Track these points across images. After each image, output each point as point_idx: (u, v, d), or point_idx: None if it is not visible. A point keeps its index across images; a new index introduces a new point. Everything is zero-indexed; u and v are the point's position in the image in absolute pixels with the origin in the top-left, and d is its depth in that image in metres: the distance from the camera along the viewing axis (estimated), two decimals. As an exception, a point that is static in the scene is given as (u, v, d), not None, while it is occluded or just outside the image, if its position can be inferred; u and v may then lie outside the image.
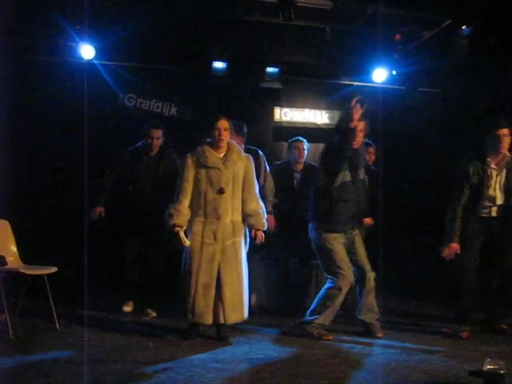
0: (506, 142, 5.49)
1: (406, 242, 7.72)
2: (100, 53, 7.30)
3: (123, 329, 5.72)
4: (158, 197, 6.10)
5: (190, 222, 5.28)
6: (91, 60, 7.32)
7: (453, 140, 7.47)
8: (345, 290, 5.49)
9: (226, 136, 5.28)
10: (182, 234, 5.18)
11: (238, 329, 5.61)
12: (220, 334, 5.37)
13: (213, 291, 5.16)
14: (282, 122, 8.59)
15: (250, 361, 4.75)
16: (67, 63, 7.39)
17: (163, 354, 4.85)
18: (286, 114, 8.68)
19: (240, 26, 7.58)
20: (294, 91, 8.66)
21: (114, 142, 7.52)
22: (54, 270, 5.60)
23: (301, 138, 6.97)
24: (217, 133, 5.23)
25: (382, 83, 8.29)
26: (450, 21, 7.32)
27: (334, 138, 5.57)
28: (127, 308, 6.41)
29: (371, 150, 6.72)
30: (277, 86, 8.34)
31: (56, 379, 4.13)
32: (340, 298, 5.49)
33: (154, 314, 6.31)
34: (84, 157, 6.47)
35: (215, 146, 5.29)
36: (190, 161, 5.29)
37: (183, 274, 5.29)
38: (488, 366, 3.99)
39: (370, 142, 6.65)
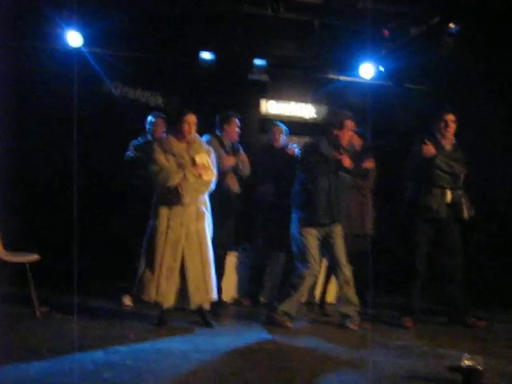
0: (452, 126, 5.86)
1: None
2: (87, 40, 7.23)
3: (105, 317, 5.72)
4: None
5: (156, 206, 5.43)
6: (79, 47, 7.25)
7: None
8: (308, 281, 5.69)
9: (193, 130, 5.50)
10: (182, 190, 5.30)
11: (219, 319, 5.64)
12: (205, 319, 5.53)
13: (176, 274, 5.31)
14: (268, 115, 8.59)
15: (231, 351, 4.76)
16: (54, 50, 7.32)
17: (144, 343, 4.86)
18: (272, 107, 8.69)
19: (229, 18, 7.54)
20: (281, 84, 8.66)
21: (101, 129, 7.52)
22: (35, 257, 5.58)
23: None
24: (186, 126, 5.43)
25: (370, 79, 8.30)
26: (438, 18, 7.34)
27: (319, 140, 5.71)
28: (128, 301, 6.36)
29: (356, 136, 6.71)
30: (264, 78, 8.32)
31: (35, 367, 4.12)
32: (303, 289, 5.69)
33: (131, 304, 6.35)
34: (72, 144, 6.43)
35: (181, 137, 5.47)
36: (157, 147, 5.47)
37: (146, 255, 5.39)
38: (466, 362, 4.03)
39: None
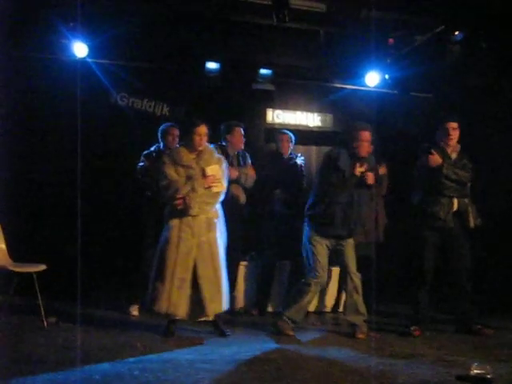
0: (455, 134, 5.86)
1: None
2: (93, 51, 7.26)
3: (112, 327, 5.71)
4: None
5: (168, 218, 5.44)
6: (84, 58, 7.28)
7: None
8: (314, 288, 5.68)
9: (204, 141, 5.48)
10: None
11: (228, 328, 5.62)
12: (219, 328, 5.57)
13: (188, 285, 5.29)
14: (274, 124, 8.59)
15: (238, 362, 4.74)
16: (60, 61, 7.36)
17: (151, 353, 4.85)
18: (278, 116, 8.69)
19: (234, 27, 7.57)
20: (286, 93, 8.66)
21: (107, 140, 7.55)
22: (42, 267, 5.59)
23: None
24: (197, 138, 5.42)
25: (375, 87, 8.31)
26: (442, 26, 7.35)
27: (338, 153, 5.65)
28: (135, 312, 6.37)
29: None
30: (270, 87, 8.33)
31: (42, 378, 4.11)
32: (308, 296, 5.68)
33: (137, 313, 6.36)
34: (76, 154, 6.46)
35: (192, 148, 5.47)
36: (167, 160, 5.47)
37: (158, 267, 5.37)
38: (475, 371, 4.01)
39: None
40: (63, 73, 7.29)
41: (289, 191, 6.66)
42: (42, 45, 7.25)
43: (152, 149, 6.49)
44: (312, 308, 5.98)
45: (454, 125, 5.86)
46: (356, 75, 8.31)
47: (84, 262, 6.09)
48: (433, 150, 5.79)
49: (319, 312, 6.74)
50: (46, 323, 5.60)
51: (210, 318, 5.52)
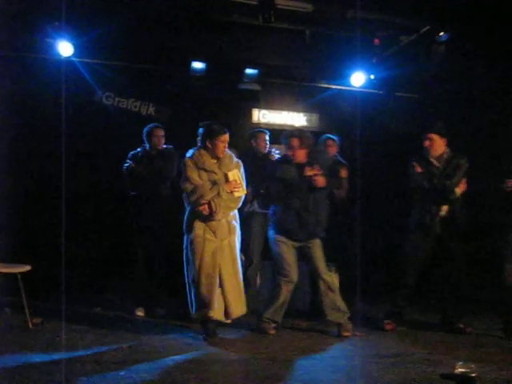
0: (433, 145, 5.93)
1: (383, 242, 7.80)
2: (78, 50, 7.23)
3: (97, 328, 5.69)
4: (163, 198, 6.36)
5: (190, 221, 5.45)
6: (69, 57, 7.24)
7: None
8: (285, 288, 5.72)
9: (226, 148, 5.52)
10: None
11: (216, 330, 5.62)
12: (210, 330, 5.49)
13: (216, 282, 5.31)
14: (260, 124, 8.59)
15: (225, 362, 4.74)
16: (45, 60, 7.31)
17: (137, 354, 4.84)
18: (264, 116, 8.70)
19: (220, 27, 7.58)
20: (272, 93, 8.68)
21: (92, 140, 7.52)
22: (27, 268, 5.55)
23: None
24: (221, 145, 5.45)
25: (360, 87, 8.34)
26: (428, 27, 7.39)
27: (276, 166, 5.90)
28: (140, 313, 6.36)
29: (330, 142, 6.74)
30: (255, 87, 8.34)
31: (28, 380, 4.09)
32: (282, 296, 5.73)
33: (163, 313, 6.33)
34: (61, 154, 6.42)
35: (212, 154, 5.48)
36: (190, 163, 5.45)
37: (190, 271, 5.41)
38: (460, 370, 4.03)
39: (330, 135, 6.80)
40: (48, 72, 7.25)
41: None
42: (27, 44, 7.21)
43: (138, 149, 6.48)
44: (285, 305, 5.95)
45: (432, 136, 5.92)
46: (342, 75, 8.35)
47: (69, 263, 6.06)
48: (414, 162, 5.94)
49: (304, 312, 6.73)
50: (30, 324, 5.57)
51: (229, 321, 5.49)
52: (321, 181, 5.65)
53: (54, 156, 6.84)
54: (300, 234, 5.71)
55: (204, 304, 5.30)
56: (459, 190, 5.85)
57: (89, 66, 7.59)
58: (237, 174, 5.50)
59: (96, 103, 7.82)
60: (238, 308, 5.45)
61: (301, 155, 5.74)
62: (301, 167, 5.70)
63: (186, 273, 5.49)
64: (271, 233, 5.86)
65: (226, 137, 5.47)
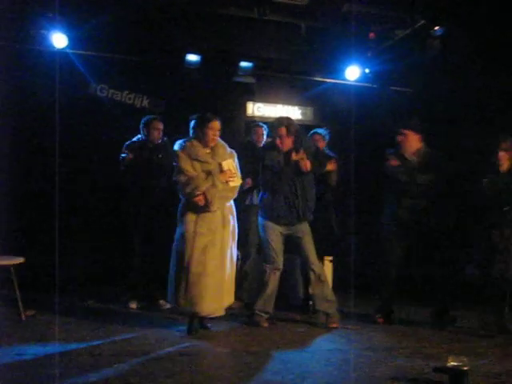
0: (404, 140, 6.03)
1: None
2: (72, 42, 7.19)
3: (91, 320, 5.68)
4: (159, 190, 6.34)
5: (183, 213, 5.40)
6: (63, 49, 7.21)
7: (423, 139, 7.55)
8: (272, 275, 5.80)
9: (217, 136, 5.46)
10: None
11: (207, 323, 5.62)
12: (202, 323, 5.51)
13: (204, 279, 5.23)
14: (254, 117, 8.59)
15: (217, 355, 4.76)
16: (39, 51, 7.28)
17: (131, 346, 4.84)
18: (258, 109, 8.70)
19: (215, 20, 7.54)
20: (267, 86, 8.66)
21: (85, 131, 7.49)
22: (20, 260, 5.54)
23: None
24: (210, 132, 5.40)
25: (355, 81, 8.33)
26: (423, 21, 7.39)
27: (264, 152, 6.00)
28: (134, 305, 6.36)
29: (316, 137, 6.75)
30: (250, 80, 8.32)
31: (20, 372, 4.09)
32: (270, 285, 5.80)
33: (167, 305, 6.26)
34: (55, 146, 6.40)
35: (204, 143, 5.44)
36: (182, 154, 5.40)
37: (175, 263, 5.35)
38: (452, 363, 4.05)
39: (317, 130, 6.81)
40: (42, 64, 7.21)
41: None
42: (21, 35, 7.16)
43: (134, 139, 6.45)
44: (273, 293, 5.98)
45: (403, 131, 6.02)
46: (336, 69, 8.34)
47: (63, 256, 6.07)
48: (391, 156, 6.01)
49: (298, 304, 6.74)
50: (23, 316, 5.56)
51: (205, 315, 5.43)
52: (307, 165, 5.75)
53: (46, 147, 6.82)
54: (289, 217, 5.78)
55: (190, 300, 5.22)
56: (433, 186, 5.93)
57: (83, 58, 7.55)
58: (231, 164, 5.47)
59: (90, 95, 7.79)
60: (213, 305, 5.32)
61: (288, 143, 5.83)
62: (287, 153, 5.81)
63: (171, 263, 5.39)
64: (260, 219, 5.92)
65: (216, 123, 5.42)
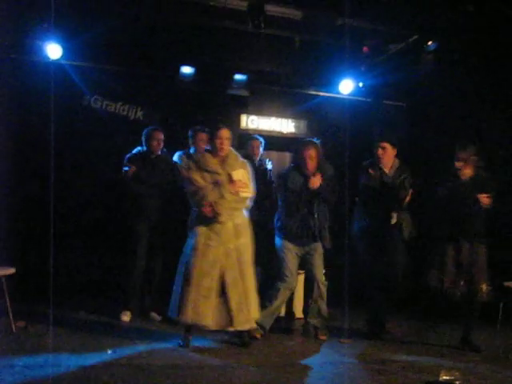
0: (383, 153, 6.05)
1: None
2: (67, 52, 7.19)
3: (82, 332, 5.65)
4: (161, 201, 6.30)
5: (194, 225, 5.31)
6: (58, 60, 7.21)
7: (416, 153, 7.58)
8: (283, 293, 5.85)
9: (226, 145, 5.34)
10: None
11: (197, 335, 5.59)
12: (243, 339, 5.44)
13: (214, 294, 5.13)
14: (248, 130, 8.60)
15: (209, 367, 4.73)
16: (33, 62, 7.28)
17: (121, 359, 4.81)
18: (252, 122, 8.71)
19: (209, 32, 7.56)
20: (261, 99, 8.68)
21: (80, 142, 7.48)
22: (11, 271, 5.51)
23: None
24: (218, 142, 5.29)
25: (349, 95, 8.36)
26: (416, 36, 7.44)
27: (287, 173, 5.97)
28: (126, 317, 6.27)
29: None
30: (244, 93, 8.34)
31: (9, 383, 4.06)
32: (278, 301, 5.84)
33: (159, 318, 6.24)
34: (49, 156, 6.38)
35: (215, 153, 5.34)
36: (192, 165, 5.31)
37: (184, 275, 5.20)
38: (444, 377, 4.06)
39: (314, 139, 6.77)
40: (37, 74, 7.20)
41: (258, 196, 6.63)
42: (16, 46, 7.16)
43: (135, 151, 6.41)
44: (278, 311, 6.00)
45: (383, 144, 6.05)
46: (330, 82, 8.36)
47: (55, 267, 6.03)
48: (370, 169, 6.05)
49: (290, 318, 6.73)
50: (14, 327, 5.52)
51: (238, 329, 5.30)
52: (323, 188, 5.83)
53: (41, 158, 6.81)
54: (305, 237, 5.83)
55: (199, 314, 5.07)
56: (408, 198, 5.97)
57: (77, 69, 7.55)
58: (242, 174, 5.32)
59: (84, 106, 7.78)
60: (243, 317, 5.18)
61: (312, 166, 5.86)
62: (307, 175, 5.84)
63: (177, 276, 5.28)
64: (277, 239, 5.95)
65: (223, 132, 5.30)
